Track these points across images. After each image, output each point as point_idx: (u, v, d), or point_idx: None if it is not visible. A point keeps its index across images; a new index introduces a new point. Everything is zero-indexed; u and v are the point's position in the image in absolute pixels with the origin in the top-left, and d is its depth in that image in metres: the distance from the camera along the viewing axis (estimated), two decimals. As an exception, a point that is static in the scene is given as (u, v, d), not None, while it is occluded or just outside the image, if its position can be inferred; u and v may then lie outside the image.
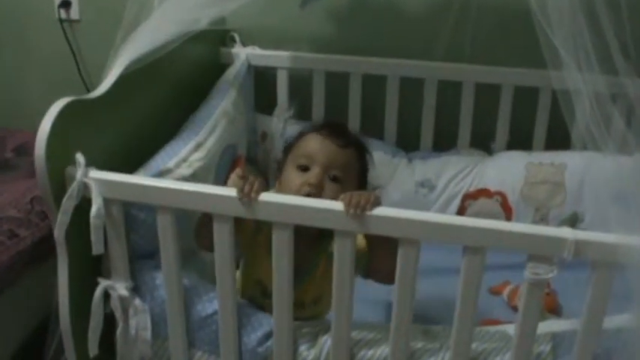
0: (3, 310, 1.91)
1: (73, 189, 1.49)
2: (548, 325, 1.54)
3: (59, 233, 1.52)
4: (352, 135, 1.67)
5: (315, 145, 1.60)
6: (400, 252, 1.39)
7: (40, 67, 2.70)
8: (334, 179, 1.57)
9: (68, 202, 1.49)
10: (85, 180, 1.49)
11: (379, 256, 1.52)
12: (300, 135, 1.67)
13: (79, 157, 1.49)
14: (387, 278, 1.48)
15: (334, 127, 1.65)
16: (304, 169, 1.58)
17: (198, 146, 1.87)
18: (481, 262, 1.37)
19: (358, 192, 1.41)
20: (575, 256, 1.31)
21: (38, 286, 1.89)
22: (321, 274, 1.61)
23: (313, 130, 1.65)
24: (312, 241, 1.60)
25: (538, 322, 1.41)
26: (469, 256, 1.37)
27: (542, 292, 1.38)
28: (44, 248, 1.92)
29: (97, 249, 1.52)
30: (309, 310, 1.66)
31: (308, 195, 1.52)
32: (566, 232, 1.32)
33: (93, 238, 1.50)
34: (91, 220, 1.49)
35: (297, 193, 1.54)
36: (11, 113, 2.67)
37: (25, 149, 2.34)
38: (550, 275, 1.34)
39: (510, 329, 1.54)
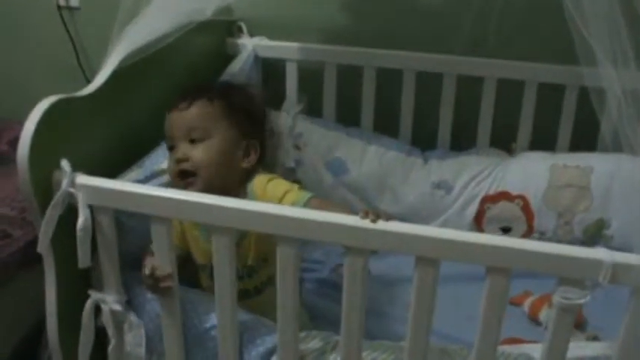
0: (-4, 313, 1.83)
1: (57, 198, 1.39)
2: (577, 349, 1.42)
3: (43, 244, 1.42)
4: (198, 89, 1.65)
5: (167, 123, 1.62)
6: (418, 271, 1.28)
7: (39, 57, 2.61)
8: (196, 141, 1.57)
9: (52, 211, 1.39)
10: (71, 190, 1.39)
11: None
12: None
13: (65, 165, 1.39)
14: None
15: (180, 95, 1.64)
16: (172, 149, 1.60)
17: None
18: (506, 283, 1.25)
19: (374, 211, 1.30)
20: (612, 281, 1.19)
21: (32, 287, 1.79)
22: None
23: (167, 110, 1.65)
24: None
25: (567, 350, 1.29)
26: (493, 276, 1.25)
27: (573, 318, 1.26)
28: (38, 249, 1.85)
29: (83, 262, 1.42)
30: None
31: (181, 172, 1.55)
32: (602, 254, 1.19)
33: (79, 251, 1.40)
34: (78, 232, 1.39)
35: (174, 173, 1.57)
36: (8, 104, 2.58)
37: (22, 142, 2.26)
38: (582, 301, 1.22)
39: (534, 351, 1.43)
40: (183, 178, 1.56)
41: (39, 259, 1.79)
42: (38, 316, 1.71)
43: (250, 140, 1.64)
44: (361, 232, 1.27)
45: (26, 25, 2.58)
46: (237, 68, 2.16)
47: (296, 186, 1.56)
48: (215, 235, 1.36)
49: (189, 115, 1.58)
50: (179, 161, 1.55)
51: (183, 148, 1.56)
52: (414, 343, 1.34)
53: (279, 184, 1.56)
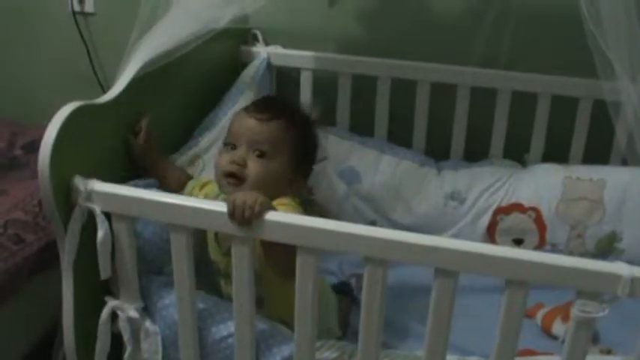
0: (8, 319, 1.83)
1: (76, 214, 1.40)
2: (594, 362, 1.42)
3: (68, 259, 1.44)
4: (283, 107, 1.67)
5: (240, 123, 1.63)
6: (437, 282, 1.28)
7: (53, 62, 2.60)
8: (260, 155, 1.58)
9: (73, 227, 1.41)
10: (89, 205, 1.40)
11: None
12: (234, 115, 1.72)
13: (79, 181, 1.40)
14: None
15: (262, 103, 1.69)
16: (232, 147, 1.61)
17: (195, 158, 1.81)
18: (525, 296, 1.25)
19: (242, 197, 1.32)
20: (630, 295, 1.19)
21: (45, 292, 1.79)
22: None
23: (243, 108, 1.68)
24: None
25: (584, 363, 1.29)
26: (512, 289, 1.25)
27: (591, 331, 1.26)
28: (51, 253, 1.81)
29: (104, 274, 1.43)
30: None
31: (231, 173, 1.56)
32: (621, 268, 1.20)
33: (100, 263, 1.41)
34: (98, 246, 1.40)
35: (223, 171, 1.58)
36: (23, 109, 2.59)
37: (36, 146, 2.24)
38: (601, 314, 1.22)
39: (549, 363, 1.44)
40: (229, 177, 1.57)
41: (52, 264, 1.79)
42: (51, 321, 1.72)
43: (300, 173, 1.66)
44: (381, 243, 1.27)
45: (40, 30, 2.58)
46: (249, 77, 2.16)
47: None
48: (235, 245, 1.36)
49: (266, 129, 1.59)
50: (234, 162, 1.57)
51: (244, 154, 1.58)
52: (432, 355, 1.34)
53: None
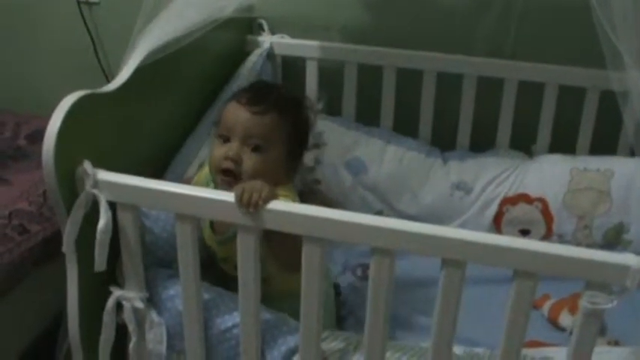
0: (13, 309, 1.83)
1: (81, 200, 1.39)
2: (602, 354, 1.41)
3: (68, 244, 1.42)
4: (276, 97, 1.59)
5: (233, 115, 1.55)
6: (444, 273, 1.27)
7: (57, 53, 2.59)
8: (255, 149, 1.53)
9: (77, 213, 1.39)
10: (94, 191, 1.39)
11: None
12: (226, 103, 1.63)
13: (88, 166, 1.39)
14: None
15: (254, 93, 1.59)
16: (226, 140, 1.55)
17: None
18: (533, 287, 1.24)
19: (250, 184, 1.32)
20: (639, 286, 1.18)
21: (49, 283, 1.80)
22: None
23: (234, 97, 1.60)
24: None
25: (592, 354, 1.28)
26: (520, 280, 1.24)
27: (599, 323, 1.25)
28: (56, 244, 1.80)
29: (99, 266, 1.42)
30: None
31: (227, 170, 1.51)
32: (630, 259, 1.19)
33: (97, 254, 1.40)
34: (98, 235, 1.39)
35: (218, 167, 1.53)
36: (27, 100, 2.58)
37: (40, 136, 2.24)
38: (609, 306, 1.21)
39: (556, 355, 1.44)
40: (224, 174, 1.52)
41: (57, 254, 1.79)
42: (56, 311, 1.72)
43: (296, 160, 1.63)
44: (388, 233, 1.26)
45: (45, 20, 2.57)
46: (247, 70, 2.14)
47: None
48: (240, 234, 1.35)
49: (260, 122, 1.53)
50: (228, 159, 1.51)
51: (238, 149, 1.52)
52: (439, 346, 1.33)
53: None
